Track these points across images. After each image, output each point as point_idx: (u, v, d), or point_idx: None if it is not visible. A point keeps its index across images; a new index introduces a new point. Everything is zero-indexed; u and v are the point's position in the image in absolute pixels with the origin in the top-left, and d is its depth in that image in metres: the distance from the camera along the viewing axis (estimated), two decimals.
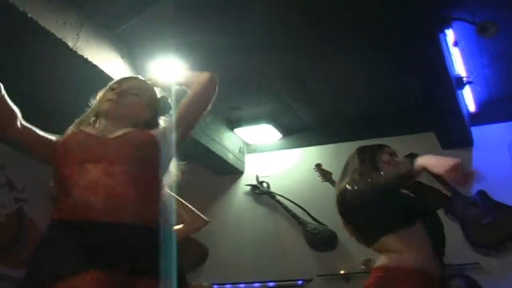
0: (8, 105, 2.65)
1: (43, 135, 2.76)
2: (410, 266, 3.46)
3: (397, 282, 3.47)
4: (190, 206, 4.33)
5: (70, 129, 2.87)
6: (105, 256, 2.44)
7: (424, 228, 3.58)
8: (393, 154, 3.90)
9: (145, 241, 2.53)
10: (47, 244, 2.54)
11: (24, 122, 2.70)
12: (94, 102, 2.93)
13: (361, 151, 3.96)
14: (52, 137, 2.77)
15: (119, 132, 2.75)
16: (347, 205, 3.74)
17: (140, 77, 3.08)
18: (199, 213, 4.36)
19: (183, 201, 4.26)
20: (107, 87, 2.92)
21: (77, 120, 2.90)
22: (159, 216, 2.67)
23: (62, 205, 2.60)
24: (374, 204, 3.58)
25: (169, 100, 3.03)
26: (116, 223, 2.49)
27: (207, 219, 4.44)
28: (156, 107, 2.97)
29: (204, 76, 3.06)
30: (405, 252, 3.51)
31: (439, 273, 3.57)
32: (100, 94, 2.92)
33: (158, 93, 3.06)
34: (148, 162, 2.71)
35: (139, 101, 2.89)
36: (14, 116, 2.66)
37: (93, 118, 2.88)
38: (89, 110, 2.91)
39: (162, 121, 3.01)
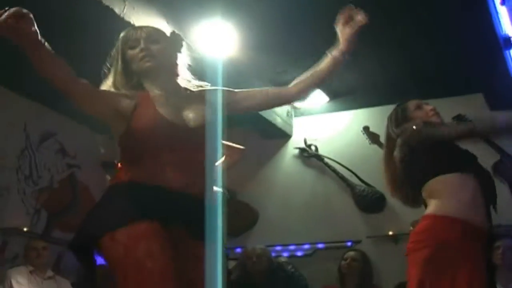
0: (60, 62, 2.66)
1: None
2: (457, 215, 3.45)
3: (444, 229, 3.47)
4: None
5: (108, 89, 2.88)
6: (165, 213, 2.58)
7: (476, 181, 3.58)
8: (420, 104, 3.92)
9: (203, 212, 2.66)
10: (110, 199, 2.68)
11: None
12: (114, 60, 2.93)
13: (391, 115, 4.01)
14: (118, 101, 2.80)
15: (199, 120, 2.81)
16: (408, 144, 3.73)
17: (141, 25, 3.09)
18: (233, 145, 4.38)
19: None
20: (123, 44, 2.90)
21: (112, 82, 2.89)
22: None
23: (136, 173, 2.70)
24: (429, 145, 3.61)
25: (178, 33, 3.05)
26: (185, 193, 2.63)
27: (243, 147, 4.46)
28: (174, 45, 2.99)
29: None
30: (453, 200, 3.50)
31: (487, 227, 3.57)
32: (119, 52, 2.91)
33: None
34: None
35: (164, 47, 2.90)
36: (67, 71, 2.66)
37: (135, 79, 2.90)
38: (117, 68, 2.91)
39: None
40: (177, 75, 2.95)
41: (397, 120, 3.94)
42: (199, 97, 2.92)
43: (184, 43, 3.03)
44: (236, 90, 3.03)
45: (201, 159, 2.73)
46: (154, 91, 2.85)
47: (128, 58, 2.88)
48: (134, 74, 2.89)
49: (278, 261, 6.77)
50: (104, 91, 2.86)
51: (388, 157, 3.91)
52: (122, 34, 2.93)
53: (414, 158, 3.68)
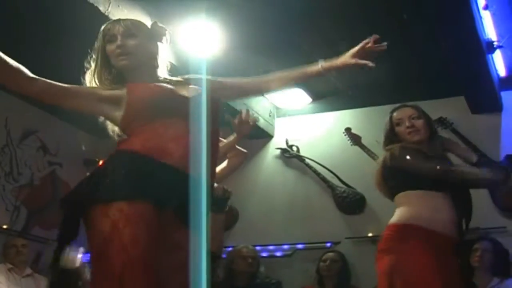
0: (8, 64, 2.61)
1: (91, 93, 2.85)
2: (419, 224, 3.65)
3: (405, 237, 3.66)
4: (225, 141, 4.41)
5: (90, 83, 2.90)
6: (163, 195, 2.56)
7: (444, 196, 3.75)
8: (402, 119, 4.00)
9: (201, 197, 2.67)
10: (109, 167, 2.64)
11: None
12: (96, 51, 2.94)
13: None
14: (99, 91, 2.84)
15: (193, 92, 2.84)
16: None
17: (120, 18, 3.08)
18: (238, 147, 4.43)
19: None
20: (102, 37, 2.91)
21: (93, 75, 2.91)
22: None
23: (138, 142, 2.69)
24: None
25: (159, 24, 3.04)
26: (185, 173, 2.62)
27: (245, 151, 4.53)
28: (154, 36, 2.98)
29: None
30: (414, 210, 3.66)
31: (455, 237, 3.68)
32: (99, 45, 2.92)
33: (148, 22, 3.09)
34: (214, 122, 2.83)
35: (141, 41, 2.90)
36: (19, 73, 2.64)
37: (113, 72, 2.93)
38: (97, 61, 2.92)
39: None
40: (157, 67, 2.96)
41: (386, 131, 4.11)
42: (184, 83, 2.94)
43: (166, 32, 3.02)
44: (219, 78, 3.05)
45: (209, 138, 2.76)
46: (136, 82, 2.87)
47: (107, 53, 2.89)
48: (113, 68, 2.91)
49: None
50: (82, 86, 2.89)
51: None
52: (102, 27, 2.93)
53: (388, 174, 3.92)
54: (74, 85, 2.84)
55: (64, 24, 5.13)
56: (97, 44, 2.93)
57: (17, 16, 5.19)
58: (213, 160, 2.84)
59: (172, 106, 2.73)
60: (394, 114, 4.07)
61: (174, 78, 2.99)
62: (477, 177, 3.78)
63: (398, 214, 3.78)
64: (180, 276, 2.58)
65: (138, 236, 2.44)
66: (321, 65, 3.18)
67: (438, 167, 3.74)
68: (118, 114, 2.78)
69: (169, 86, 2.83)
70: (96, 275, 2.52)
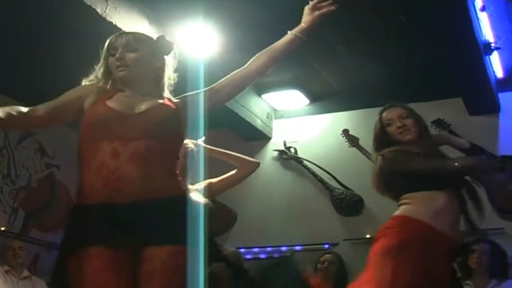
0: (11, 118, 2.69)
1: (68, 104, 2.86)
2: (418, 218, 3.63)
3: (404, 228, 3.65)
4: (236, 154, 4.45)
5: (94, 94, 2.89)
6: (105, 234, 2.59)
7: (449, 196, 3.71)
8: (393, 119, 3.99)
9: (153, 213, 2.65)
10: (68, 225, 2.72)
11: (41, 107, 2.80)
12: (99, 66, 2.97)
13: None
14: (80, 100, 2.85)
15: (143, 107, 2.81)
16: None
17: (129, 31, 3.10)
18: (246, 157, 4.47)
19: (226, 151, 4.39)
20: (107, 49, 2.93)
21: (95, 84, 2.93)
22: (175, 186, 2.77)
23: (78, 190, 2.73)
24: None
25: (166, 38, 3.03)
26: (115, 203, 2.62)
27: (257, 161, 4.60)
28: (159, 50, 2.98)
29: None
30: (420, 206, 3.68)
31: (452, 235, 3.68)
32: (103, 56, 2.95)
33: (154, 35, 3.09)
34: (167, 137, 2.79)
35: (141, 55, 2.90)
36: (22, 115, 2.73)
37: (115, 82, 2.94)
38: (99, 71, 2.95)
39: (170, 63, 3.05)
40: (156, 80, 2.96)
41: (376, 132, 4.06)
42: (157, 101, 2.92)
43: (173, 46, 3.02)
44: (210, 87, 3.04)
45: (148, 152, 2.70)
46: (127, 92, 2.88)
47: (109, 64, 2.91)
48: (114, 79, 2.93)
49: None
50: (69, 96, 2.89)
51: (374, 158, 4.04)
52: (108, 40, 2.95)
53: (389, 178, 3.87)
54: (62, 98, 2.88)
55: (62, 25, 5.12)
56: (103, 55, 2.95)
57: (14, 18, 5.18)
58: (161, 171, 2.78)
59: (104, 128, 2.72)
60: (384, 114, 4.04)
61: (166, 97, 2.97)
62: (471, 164, 3.77)
63: (403, 208, 3.76)
64: (156, 283, 2.59)
65: (91, 280, 2.55)
66: (291, 32, 3.14)
67: (434, 165, 3.74)
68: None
69: (122, 103, 2.81)
70: None
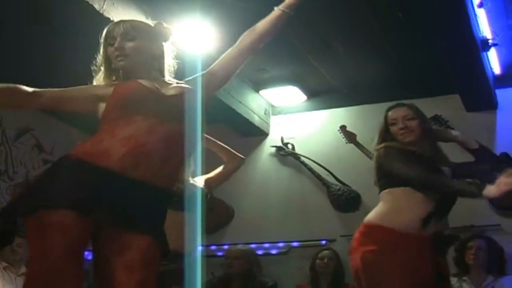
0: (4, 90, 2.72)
1: (80, 94, 2.86)
2: (391, 226, 3.74)
3: (376, 237, 3.76)
4: (225, 146, 4.46)
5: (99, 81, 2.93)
6: (85, 200, 2.51)
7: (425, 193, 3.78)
8: (397, 119, 4.02)
9: (151, 200, 2.64)
10: (47, 176, 2.65)
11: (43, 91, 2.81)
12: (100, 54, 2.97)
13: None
14: (96, 90, 2.86)
15: (173, 91, 2.84)
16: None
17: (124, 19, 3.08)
18: (234, 151, 4.47)
19: (216, 141, 4.40)
20: (104, 40, 2.93)
21: (100, 74, 2.95)
22: (177, 178, 2.77)
23: (85, 145, 2.68)
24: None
25: (164, 24, 3.04)
26: (125, 177, 2.58)
27: (242, 156, 4.61)
28: (157, 37, 2.99)
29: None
30: (394, 210, 3.78)
31: (429, 235, 3.73)
32: (101, 48, 2.95)
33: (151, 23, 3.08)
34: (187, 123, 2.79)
35: (140, 43, 2.90)
36: (16, 91, 2.74)
37: (117, 73, 2.95)
38: (101, 64, 2.96)
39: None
40: (158, 68, 2.98)
41: (381, 130, 4.12)
42: (175, 84, 2.94)
43: (171, 31, 3.04)
44: (206, 71, 3.05)
45: (176, 137, 2.72)
46: None
47: (108, 54, 2.91)
48: (116, 69, 2.93)
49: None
50: (77, 88, 2.89)
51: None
52: (105, 29, 2.95)
53: (378, 172, 3.98)
54: (69, 88, 2.87)
55: (59, 22, 5.12)
56: (102, 45, 2.95)
57: (11, 14, 5.18)
58: (177, 159, 2.80)
59: (142, 104, 2.71)
60: (389, 113, 4.08)
61: (172, 81, 2.99)
62: (454, 190, 3.77)
63: (373, 212, 3.91)
64: (136, 275, 2.55)
65: (48, 248, 2.42)
66: (278, 8, 3.17)
67: (416, 175, 3.76)
68: (102, 110, 2.81)
69: (153, 83, 2.83)
70: (26, 282, 2.53)
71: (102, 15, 4.93)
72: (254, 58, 6.51)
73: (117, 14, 5.06)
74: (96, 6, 4.90)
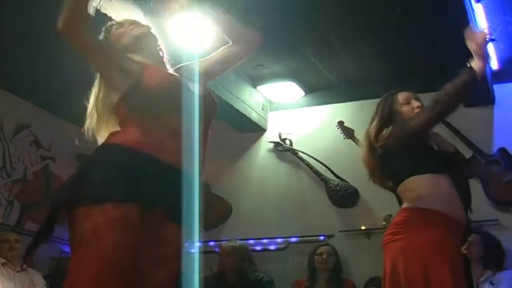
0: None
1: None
2: (434, 207, 3.53)
3: (420, 221, 3.55)
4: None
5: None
6: (151, 194, 2.53)
7: (450, 181, 3.65)
8: (409, 98, 3.94)
9: (191, 193, 2.68)
10: (96, 164, 2.60)
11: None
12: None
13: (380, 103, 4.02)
14: (123, 60, 2.84)
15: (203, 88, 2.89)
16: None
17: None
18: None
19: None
20: (108, 31, 2.97)
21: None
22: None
23: (134, 134, 2.67)
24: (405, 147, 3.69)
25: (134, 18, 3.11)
26: (179, 170, 2.62)
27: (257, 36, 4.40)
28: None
29: (254, 37, 3.27)
30: (429, 194, 3.57)
31: (465, 221, 3.65)
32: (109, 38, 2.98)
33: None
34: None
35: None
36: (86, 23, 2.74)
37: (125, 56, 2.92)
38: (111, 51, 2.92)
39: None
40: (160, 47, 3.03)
41: (389, 110, 3.95)
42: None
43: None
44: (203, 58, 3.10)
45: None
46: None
47: (116, 37, 2.93)
48: (124, 51, 2.91)
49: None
50: (106, 49, 2.88)
51: (369, 150, 3.93)
52: (104, 28, 2.99)
53: (391, 161, 3.79)
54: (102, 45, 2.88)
55: (56, 17, 5.11)
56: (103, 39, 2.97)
57: (6, 10, 5.17)
58: (204, 156, 2.84)
59: (177, 101, 2.72)
60: (399, 95, 3.97)
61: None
62: (456, 91, 3.69)
63: (411, 199, 3.64)
64: (165, 269, 2.57)
65: (118, 242, 2.39)
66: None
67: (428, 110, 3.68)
68: (124, 85, 2.77)
69: (178, 77, 2.86)
70: (72, 275, 2.44)
71: (99, 11, 4.92)
72: (252, 54, 6.53)
73: (114, 10, 5.05)
74: (93, 2, 4.90)
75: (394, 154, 3.75)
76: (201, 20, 5.56)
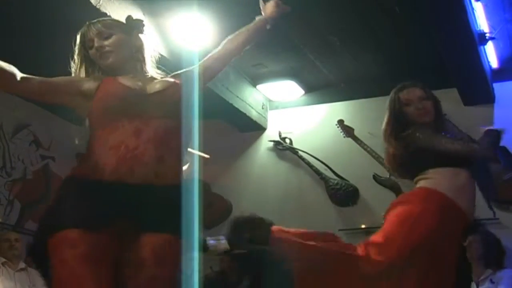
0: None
1: (64, 84, 2.83)
2: (446, 192, 3.56)
3: (428, 199, 3.59)
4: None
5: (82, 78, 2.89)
6: (92, 216, 2.54)
7: (469, 175, 3.68)
8: (412, 99, 3.93)
9: (157, 198, 2.62)
10: (56, 200, 2.67)
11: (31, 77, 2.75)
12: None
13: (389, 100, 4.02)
14: (80, 85, 2.82)
15: (158, 86, 2.83)
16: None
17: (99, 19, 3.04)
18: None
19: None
20: (81, 44, 2.91)
21: (79, 71, 2.91)
22: (179, 173, 2.76)
23: (82, 161, 2.74)
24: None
25: (134, 17, 3.03)
26: (125, 183, 2.59)
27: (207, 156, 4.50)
28: (131, 30, 2.97)
29: None
30: (446, 181, 3.61)
31: (471, 214, 3.66)
32: (79, 52, 2.92)
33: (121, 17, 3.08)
34: (178, 119, 2.77)
35: (118, 38, 2.89)
36: (9, 75, 2.68)
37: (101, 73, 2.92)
38: (80, 67, 2.92)
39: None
40: (143, 61, 2.97)
41: (394, 111, 3.93)
42: (169, 80, 2.94)
43: (143, 23, 3.02)
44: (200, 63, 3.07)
45: (166, 134, 2.71)
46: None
47: (92, 56, 2.89)
48: (101, 70, 2.91)
49: None
50: (62, 79, 2.86)
51: (389, 140, 3.91)
52: (79, 33, 2.92)
53: (414, 154, 3.77)
54: (55, 79, 2.84)
55: (55, 17, 5.11)
56: (78, 51, 2.92)
57: (6, 9, 5.17)
58: (173, 154, 2.77)
59: (124, 107, 2.69)
60: (403, 93, 3.94)
61: (157, 76, 2.98)
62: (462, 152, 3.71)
63: (429, 182, 3.67)
64: (147, 270, 2.56)
65: (66, 257, 2.48)
66: (260, 19, 3.32)
67: (462, 146, 3.68)
68: (85, 107, 2.78)
69: (135, 83, 2.81)
70: None
71: (98, 10, 4.92)
72: (252, 53, 6.56)
73: (114, 8, 5.05)
74: (93, 1, 4.90)
75: (416, 149, 3.76)
76: (201, 19, 5.58)
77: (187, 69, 3.04)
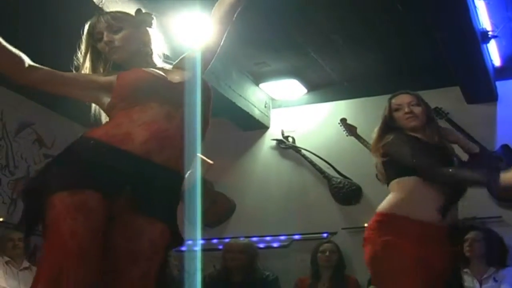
0: (9, 51, 2.69)
1: (84, 79, 2.86)
2: (406, 215, 3.66)
3: (389, 227, 3.69)
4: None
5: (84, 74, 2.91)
6: (109, 182, 2.52)
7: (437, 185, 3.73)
8: (401, 104, 3.99)
9: (167, 183, 2.65)
10: (67, 155, 2.63)
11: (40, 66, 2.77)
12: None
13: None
14: (97, 78, 2.85)
15: (178, 77, 2.84)
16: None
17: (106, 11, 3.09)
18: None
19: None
20: (89, 36, 2.92)
21: (85, 69, 2.92)
22: (186, 167, 2.78)
23: (104, 128, 2.71)
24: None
25: (144, 10, 3.04)
26: (144, 159, 2.59)
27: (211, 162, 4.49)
28: (141, 24, 2.99)
29: None
30: (407, 198, 3.71)
31: (444, 225, 3.70)
32: (87, 44, 2.94)
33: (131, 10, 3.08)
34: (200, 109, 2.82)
35: (127, 32, 2.91)
36: (19, 60, 2.70)
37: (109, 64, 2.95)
38: (91, 56, 2.94)
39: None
40: (151, 53, 2.99)
41: (384, 117, 4.04)
42: (177, 70, 2.96)
43: (152, 17, 3.05)
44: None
45: (187, 124, 2.74)
46: None
47: (101, 49, 2.91)
48: (107, 62, 2.95)
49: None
50: (76, 73, 2.90)
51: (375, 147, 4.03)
52: (87, 25, 2.94)
53: (387, 163, 3.89)
54: (71, 73, 2.87)
55: (57, 15, 5.12)
56: (85, 41, 2.94)
57: (9, 7, 5.18)
58: (190, 145, 2.81)
59: (155, 92, 2.71)
60: (393, 100, 4.04)
61: (168, 66, 3.01)
62: (467, 179, 3.75)
63: (386, 202, 3.81)
64: (141, 265, 2.56)
65: (75, 228, 2.40)
66: None
67: (430, 168, 3.73)
68: (106, 100, 2.79)
69: (158, 71, 2.83)
70: (41, 263, 2.51)
71: (101, 8, 4.93)
72: (254, 51, 6.56)
73: (116, 7, 5.04)
74: (95, 0, 4.90)
75: (389, 158, 3.88)
76: (202, 18, 5.58)
77: (187, 54, 3.07)
